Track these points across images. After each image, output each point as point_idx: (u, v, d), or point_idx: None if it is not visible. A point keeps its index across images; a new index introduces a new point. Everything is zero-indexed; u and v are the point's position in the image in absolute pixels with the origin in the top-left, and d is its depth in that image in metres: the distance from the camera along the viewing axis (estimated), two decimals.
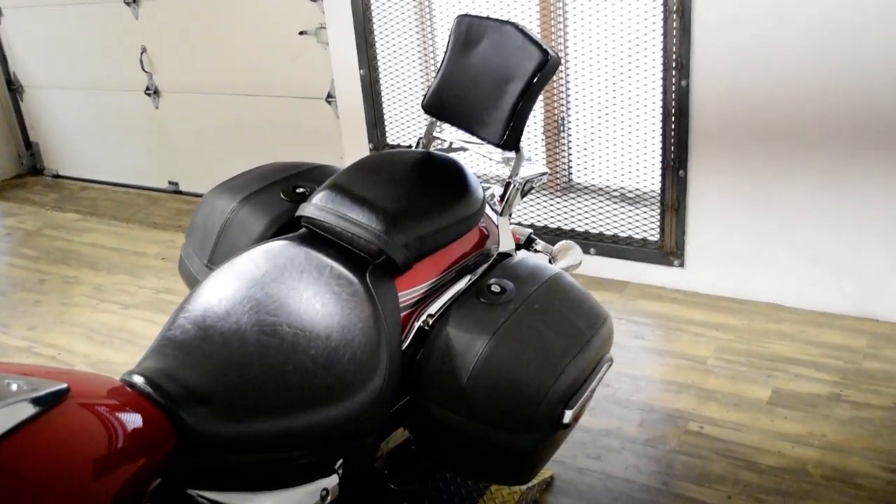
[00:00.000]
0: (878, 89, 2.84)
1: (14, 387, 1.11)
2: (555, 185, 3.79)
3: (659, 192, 3.40)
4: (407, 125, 4.01)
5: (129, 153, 5.44)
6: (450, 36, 2.06)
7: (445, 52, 2.07)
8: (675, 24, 3.08)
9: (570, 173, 3.79)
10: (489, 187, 2.10)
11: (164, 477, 1.26)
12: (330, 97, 4.33)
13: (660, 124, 3.28)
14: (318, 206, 1.75)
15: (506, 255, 1.99)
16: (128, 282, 4.03)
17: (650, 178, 3.45)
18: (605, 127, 3.52)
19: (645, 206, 3.52)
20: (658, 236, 3.47)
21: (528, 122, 1.94)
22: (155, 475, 1.22)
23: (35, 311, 3.81)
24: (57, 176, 5.91)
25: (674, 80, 3.15)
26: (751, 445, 2.52)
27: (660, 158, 3.34)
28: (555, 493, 2.39)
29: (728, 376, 2.86)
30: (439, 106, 2.06)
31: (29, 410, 1.09)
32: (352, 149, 4.19)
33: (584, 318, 1.77)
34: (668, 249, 3.44)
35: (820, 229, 3.10)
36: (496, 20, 1.97)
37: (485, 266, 1.90)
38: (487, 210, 2.00)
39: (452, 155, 2.08)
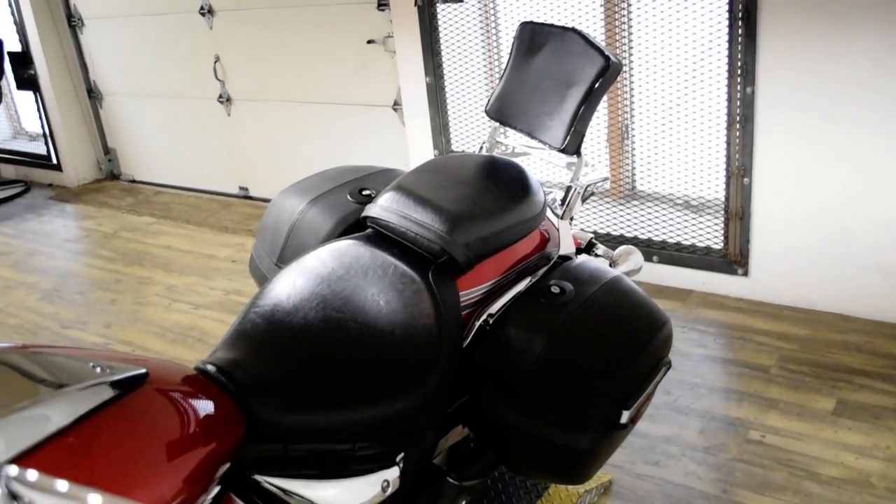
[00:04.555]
0: None
1: (97, 370, 1.18)
2: (618, 193, 3.80)
3: (723, 199, 3.38)
4: (472, 132, 4.06)
5: (202, 159, 5.60)
6: (513, 42, 2.11)
7: (508, 59, 2.11)
8: (740, 30, 3.06)
9: (634, 181, 3.79)
10: (551, 191, 2.13)
11: (233, 462, 1.32)
12: (396, 105, 4.40)
13: (724, 131, 3.27)
14: (384, 206, 1.81)
15: (566, 258, 2.02)
16: (199, 283, 4.16)
17: (714, 186, 3.43)
18: (670, 134, 3.52)
19: (709, 213, 3.50)
20: (722, 244, 3.45)
21: (590, 128, 1.96)
22: (224, 460, 1.28)
23: (111, 309, 3.95)
24: (133, 181, 6.11)
25: (739, 86, 3.14)
26: (813, 456, 2.49)
27: (724, 166, 3.32)
28: (613, 498, 2.40)
29: (791, 386, 2.83)
30: (502, 111, 2.10)
31: (109, 393, 1.16)
32: (417, 155, 4.25)
33: (642, 321, 1.79)
34: (732, 258, 3.41)
35: (888, 238, 3.05)
36: (559, 27, 2.01)
37: (545, 268, 1.93)
38: (548, 213, 2.03)
39: (515, 159, 2.12)
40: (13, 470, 0.56)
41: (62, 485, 0.57)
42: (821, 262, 3.22)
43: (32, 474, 0.58)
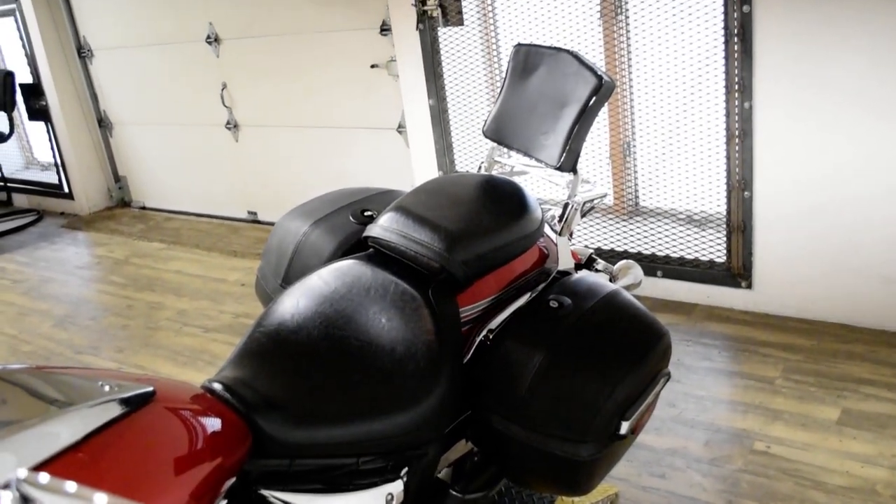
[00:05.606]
0: None
1: (106, 388, 1.22)
2: (622, 209, 3.83)
3: (725, 213, 3.41)
4: (475, 152, 4.11)
5: (211, 185, 5.67)
6: (508, 64, 2.16)
7: (504, 80, 2.16)
8: (736, 46, 3.11)
9: (637, 197, 3.83)
10: (549, 208, 2.16)
11: (239, 477, 1.36)
12: (400, 127, 4.46)
13: (724, 146, 3.31)
14: (384, 226, 1.85)
15: (565, 273, 2.05)
16: (209, 307, 4.21)
17: (716, 200, 3.46)
18: (671, 150, 3.56)
19: (711, 228, 3.53)
20: (725, 258, 3.48)
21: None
22: (230, 475, 1.32)
23: (123, 334, 4.00)
24: (143, 208, 6.19)
25: (736, 101, 3.18)
26: (818, 465, 2.51)
27: (725, 180, 3.36)
28: None
29: (796, 396, 2.85)
30: (499, 131, 2.15)
31: (117, 410, 1.20)
32: (422, 177, 4.30)
33: (640, 333, 1.82)
34: (736, 271, 3.44)
35: (891, 247, 3.07)
36: (552, 48, 2.05)
37: (544, 283, 1.96)
38: (547, 230, 2.07)
39: (514, 178, 2.16)
40: (23, 472, 0.60)
41: (71, 486, 0.61)
42: (824, 272, 3.24)
43: (43, 477, 0.62)
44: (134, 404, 1.22)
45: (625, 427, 1.70)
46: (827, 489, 2.41)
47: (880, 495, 2.36)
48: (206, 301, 4.29)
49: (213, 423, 1.35)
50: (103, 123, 6.13)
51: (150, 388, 1.27)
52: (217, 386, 1.44)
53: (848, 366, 2.99)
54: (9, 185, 6.66)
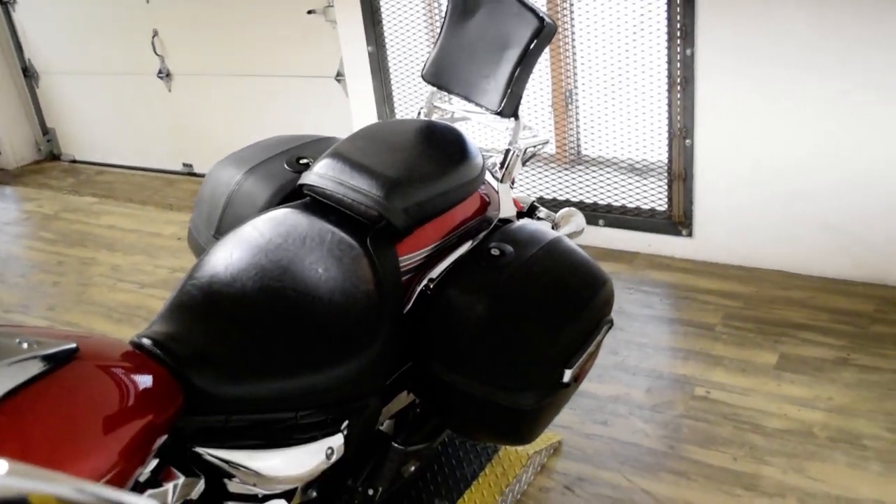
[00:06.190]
0: None
1: (25, 345, 1.15)
2: (564, 158, 3.81)
3: (666, 162, 3.41)
4: (416, 101, 4.03)
5: (144, 136, 5.49)
6: (447, 5, 2.09)
7: (443, 22, 2.09)
8: None
9: (579, 145, 3.80)
10: (490, 156, 2.12)
11: (171, 434, 1.30)
12: (339, 75, 4.36)
13: (666, 94, 3.29)
14: (320, 174, 1.79)
15: (507, 221, 2.02)
16: (144, 262, 4.09)
17: (658, 149, 3.46)
18: (613, 98, 3.53)
19: (653, 176, 3.53)
20: (666, 206, 3.48)
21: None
22: (160, 433, 1.27)
23: (54, 291, 3.88)
24: (74, 161, 5.98)
25: (678, 48, 3.16)
26: (757, 409, 2.54)
27: (666, 128, 3.35)
28: (562, 458, 2.43)
29: (735, 343, 2.88)
30: (438, 75, 2.09)
31: (38, 367, 1.13)
32: (361, 126, 4.21)
33: (582, 281, 1.80)
34: (676, 219, 3.45)
35: (831, 194, 3.10)
36: None
37: (486, 231, 1.93)
38: (488, 177, 2.03)
39: (454, 124, 2.11)
40: None
41: None
42: (764, 220, 3.27)
43: None
44: (55, 362, 1.16)
45: (567, 375, 1.69)
46: (765, 432, 2.44)
47: (817, 437, 2.40)
48: (141, 256, 4.18)
49: (141, 380, 1.29)
50: (28, 73, 5.88)
51: (73, 345, 1.20)
52: (146, 341, 1.38)
53: (786, 311, 3.03)
54: None
